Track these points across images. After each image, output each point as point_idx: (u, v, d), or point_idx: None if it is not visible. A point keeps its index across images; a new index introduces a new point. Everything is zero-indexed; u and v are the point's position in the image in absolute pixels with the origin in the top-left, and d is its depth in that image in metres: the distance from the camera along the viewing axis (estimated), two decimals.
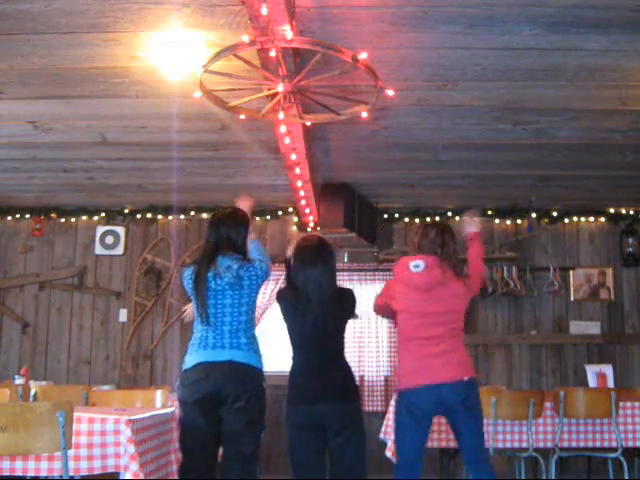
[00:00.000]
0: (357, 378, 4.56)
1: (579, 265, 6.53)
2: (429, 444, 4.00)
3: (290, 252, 3.42)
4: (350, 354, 5.73)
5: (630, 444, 4.12)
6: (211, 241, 3.37)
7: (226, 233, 3.35)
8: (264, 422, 3.32)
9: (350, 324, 3.40)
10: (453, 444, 4.05)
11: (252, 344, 3.31)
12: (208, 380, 3.18)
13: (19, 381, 4.90)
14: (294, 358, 3.32)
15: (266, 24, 2.64)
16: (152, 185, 5.88)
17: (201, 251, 3.43)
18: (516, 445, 4.06)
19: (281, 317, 3.37)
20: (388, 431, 4.08)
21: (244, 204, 3.56)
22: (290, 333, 3.32)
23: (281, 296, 3.39)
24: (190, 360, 3.27)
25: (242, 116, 3.50)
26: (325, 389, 3.17)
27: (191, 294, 3.34)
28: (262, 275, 3.33)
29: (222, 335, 3.25)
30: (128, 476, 2.78)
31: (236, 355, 3.23)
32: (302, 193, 5.32)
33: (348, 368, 3.30)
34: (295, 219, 6.57)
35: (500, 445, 4.03)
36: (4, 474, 2.76)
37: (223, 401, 3.18)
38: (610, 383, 4.83)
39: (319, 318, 3.21)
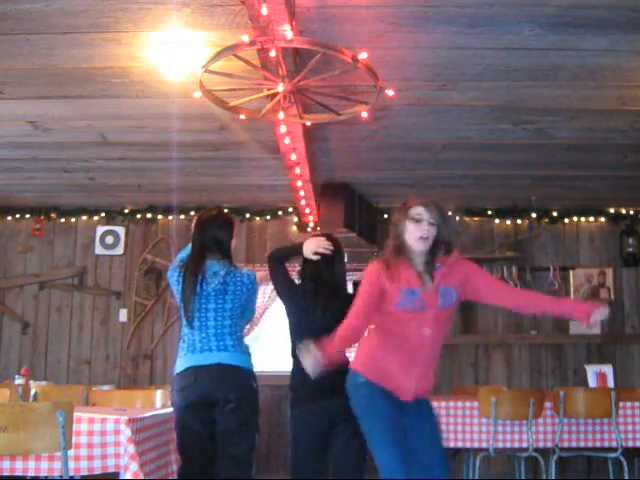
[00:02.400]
0: None
1: (579, 265, 6.53)
2: None
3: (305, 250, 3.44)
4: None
5: (630, 444, 4.12)
6: (197, 243, 3.37)
7: (212, 235, 3.36)
8: (258, 424, 3.32)
9: None
10: (453, 444, 4.06)
11: (239, 345, 3.32)
12: (197, 384, 3.20)
13: (19, 381, 4.90)
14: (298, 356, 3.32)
15: (266, 24, 2.64)
16: (152, 185, 5.88)
17: (189, 253, 3.43)
18: (516, 445, 4.06)
19: (286, 312, 3.38)
20: None
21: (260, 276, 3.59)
22: (296, 328, 3.33)
23: (290, 289, 3.41)
24: (180, 364, 3.30)
25: (242, 116, 3.50)
26: (331, 385, 3.15)
27: (177, 296, 3.35)
28: (249, 284, 3.34)
29: (208, 338, 3.27)
30: (128, 476, 2.78)
31: (224, 357, 3.24)
32: (302, 193, 5.32)
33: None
34: (295, 219, 6.57)
35: (500, 445, 4.03)
36: (4, 474, 2.76)
37: (215, 404, 3.20)
38: (610, 383, 4.83)
39: (327, 312, 3.23)
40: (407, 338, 2.75)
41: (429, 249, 2.79)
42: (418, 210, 2.77)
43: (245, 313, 3.41)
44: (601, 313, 2.68)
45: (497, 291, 2.87)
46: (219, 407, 3.20)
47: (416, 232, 2.74)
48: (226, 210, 6.32)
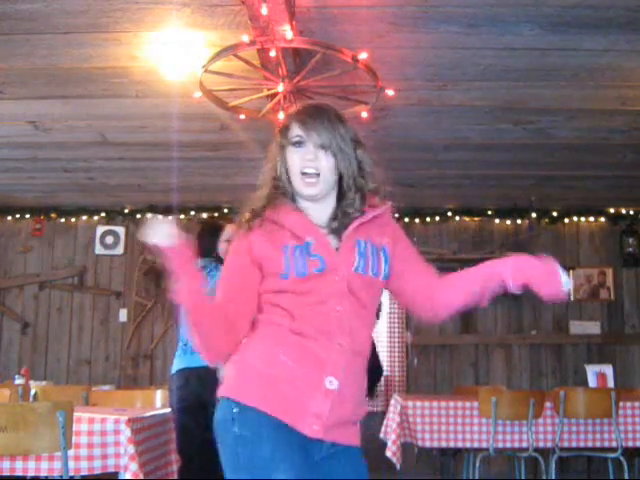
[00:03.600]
0: None
1: (579, 265, 6.53)
2: (429, 444, 4.02)
3: None
4: None
5: (630, 444, 4.12)
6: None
7: (200, 242, 3.56)
8: None
9: None
10: (453, 444, 4.06)
11: None
12: (188, 386, 3.26)
13: (19, 381, 4.89)
14: None
15: (266, 24, 2.64)
16: (152, 185, 5.88)
17: None
18: (516, 445, 4.05)
19: None
20: (388, 431, 4.08)
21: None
22: None
23: None
24: (175, 364, 3.41)
25: (242, 116, 3.51)
26: None
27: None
28: None
29: None
30: (128, 476, 2.78)
31: None
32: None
33: None
34: None
35: (500, 445, 4.03)
36: (4, 474, 2.76)
37: (206, 405, 3.23)
38: (610, 383, 4.83)
39: None
40: (309, 322, 1.65)
41: (337, 196, 1.77)
42: (296, 130, 1.75)
43: None
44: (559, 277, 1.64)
45: (418, 276, 1.81)
46: (211, 409, 3.23)
47: (296, 163, 1.73)
48: (226, 210, 6.33)
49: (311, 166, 1.71)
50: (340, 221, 1.74)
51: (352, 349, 1.66)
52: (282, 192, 1.76)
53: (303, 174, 1.72)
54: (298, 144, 1.74)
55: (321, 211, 1.76)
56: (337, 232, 1.73)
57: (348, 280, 1.67)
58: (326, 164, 1.73)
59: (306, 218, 1.73)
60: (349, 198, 1.76)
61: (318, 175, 1.72)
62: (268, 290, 1.69)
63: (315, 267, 1.65)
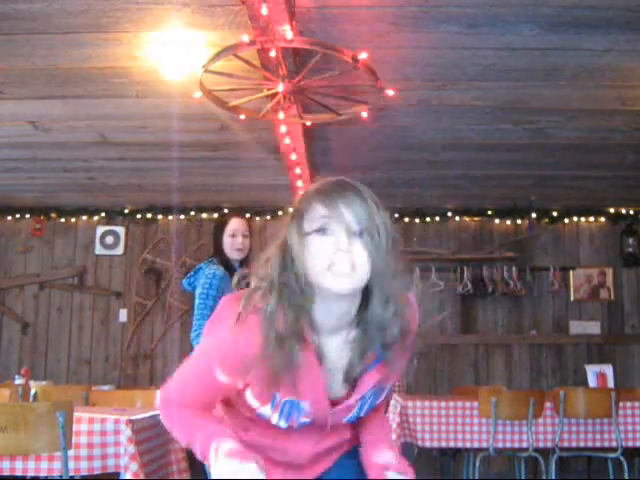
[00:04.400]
0: None
1: (579, 265, 6.53)
2: (429, 444, 4.02)
3: None
4: None
5: (630, 444, 4.11)
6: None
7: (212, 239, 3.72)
8: None
9: None
10: (453, 444, 4.06)
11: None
12: None
13: (19, 381, 4.90)
14: None
15: (266, 24, 2.64)
16: (152, 185, 5.88)
17: None
18: (516, 445, 4.05)
19: None
20: None
21: None
22: None
23: None
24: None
25: (242, 116, 3.51)
26: None
27: None
28: (201, 281, 3.48)
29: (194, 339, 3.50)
30: (128, 476, 2.78)
31: None
32: (302, 193, 5.31)
33: None
34: None
35: (500, 445, 4.02)
36: (4, 474, 2.76)
37: None
38: (610, 383, 4.83)
39: None
40: (274, 447, 1.50)
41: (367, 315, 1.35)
42: (320, 211, 1.35)
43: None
44: None
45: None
46: None
47: (323, 255, 1.31)
48: (226, 211, 6.33)
49: (344, 259, 1.27)
50: (360, 361, 1.37)
51: (331, 443, 1.52)
52: (291, 294, 1.32)
53: (331, 269, 1.28)
54: (323, 231, 1.31)
55: (337, 342, 1.38)
56: (349, 370, 1.40)
57: (334, 426, 1.46)
58: (362, 258, 1.28)
59: (318, 369, 1.36)
60: (385, 317, 1.31)
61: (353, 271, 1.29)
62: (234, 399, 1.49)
63: (299, 422, 1.41)
